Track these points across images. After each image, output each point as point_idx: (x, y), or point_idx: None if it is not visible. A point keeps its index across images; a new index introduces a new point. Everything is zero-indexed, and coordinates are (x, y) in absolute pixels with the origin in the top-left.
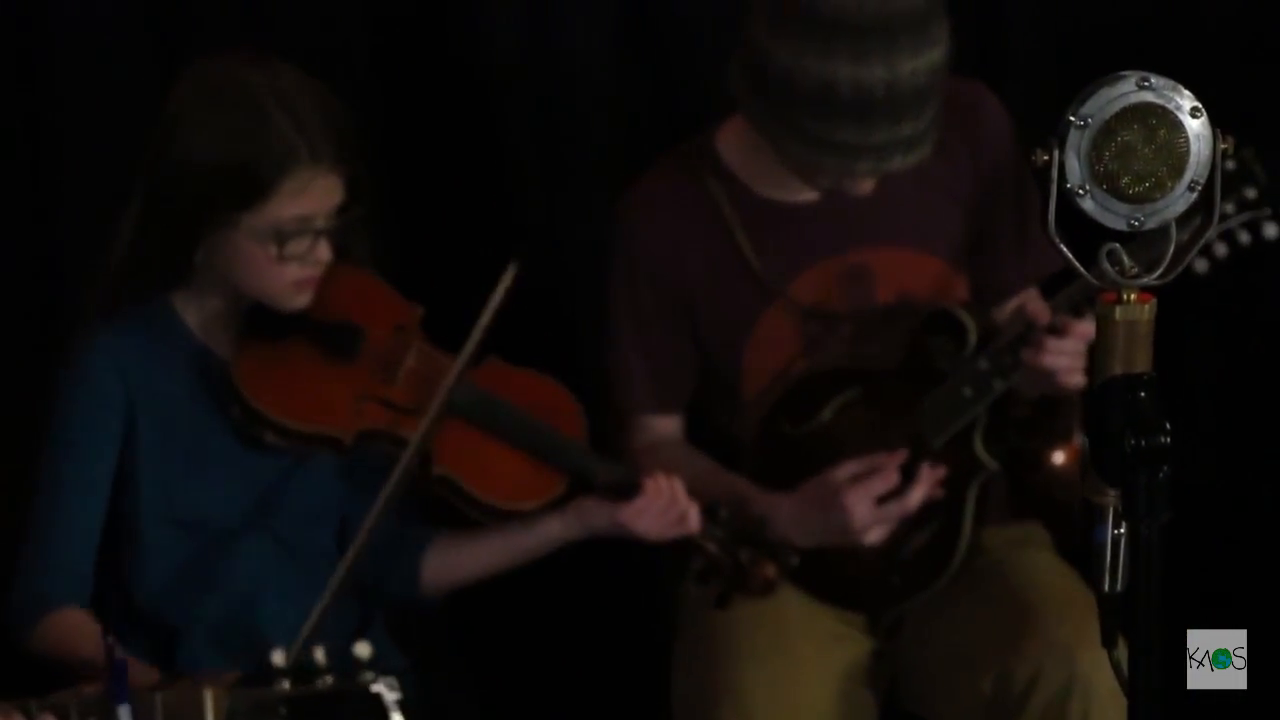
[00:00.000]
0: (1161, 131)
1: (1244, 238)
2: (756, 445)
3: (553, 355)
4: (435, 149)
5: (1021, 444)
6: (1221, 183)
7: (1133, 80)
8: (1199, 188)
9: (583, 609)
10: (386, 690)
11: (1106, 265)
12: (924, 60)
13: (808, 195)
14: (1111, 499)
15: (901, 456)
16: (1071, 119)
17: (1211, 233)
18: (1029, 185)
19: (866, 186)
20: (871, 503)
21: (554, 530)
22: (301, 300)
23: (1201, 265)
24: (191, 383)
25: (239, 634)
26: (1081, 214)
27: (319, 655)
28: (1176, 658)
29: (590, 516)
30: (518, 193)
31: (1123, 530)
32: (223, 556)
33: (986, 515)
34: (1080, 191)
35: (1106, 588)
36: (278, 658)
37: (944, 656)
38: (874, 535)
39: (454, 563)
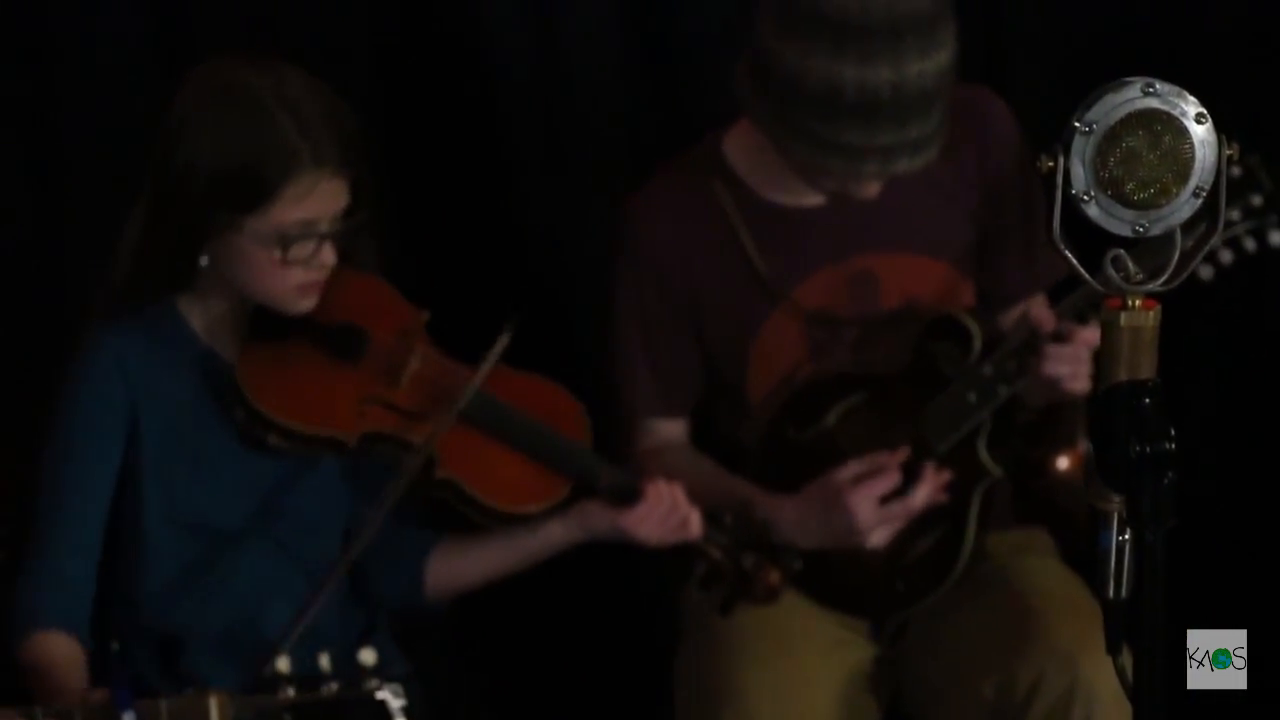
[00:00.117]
0: (1166, 138)
1: (1250, 244)
2: (761, 450)
3: (556, 359)
4: (439, 153)
5: (1026, 450)
6: (1227, 189)
7: (1138, 86)
8: (1204, 194)
9: (586, 613)
10: (391, 697)
11: (1111, 271)
12: (931, 63)
13: (814, 199)
14: (1116, 505)
15: (903, 454)
16: (1076, 125)
17: (1216, 239)
18: (1035, 191)
19: (872, 190)
20: (875, 503)
21: (555, 534)
22: (306, 304)
23: (1206, 272)
24: (196, 386)
25: (243, 641)
26: (1086, 220)
27: (324, 662)
28: (1176, 658)
29: (592, 521)
30: (522, 197)
31: (1127, 537)
32: (227, 563)
33: (990, 521)
34: (1085, 197)
35: (1111, 594)
36: (282, 665)
37: (947, 662)
38: (878, 536)
39: (457, 567)
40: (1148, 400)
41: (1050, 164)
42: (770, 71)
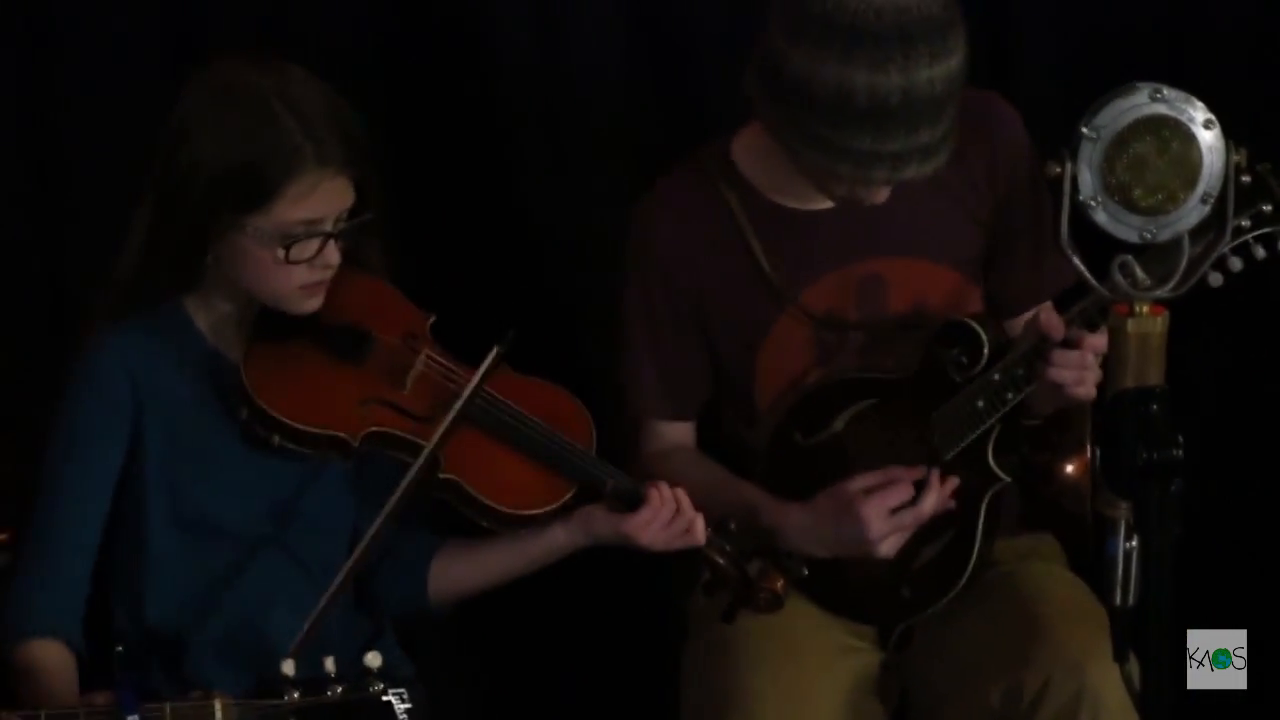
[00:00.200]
0: (1174, 144)
1: (1259, 252)
2: (768, 454)
3: (560, 361)
4: (442, 154)
5: (1034, 456)
6: (1235, 196)
7: (1145, 92)
8: (1212, 200)
9: (591, 617)
10: (397, 700)
11: (1119, 277)
12: (941, 69)
13: (822, 203)
14: (1123, 512)
15: (919, 473)
16: (1084, 131)
17: (1224, 246)
18: (1045, 197)
19: (881, 196)
20: (886, 513)
21: (559, 538)
22: (311, 304)
23: (1215, 278)
24: (201, 386)
25: (248, 646)
26: (1094, 226)
27: (329, 665)
28: (1177, 658)
29: (595, 525)
30: (526, 198)
31: (1134, 544)
32: (232, 568)
33: (998, 527)
34: (1093, 203)
35: (1118, 601)
36: (287, 668)
37: (953, 668)
38: (889, 546)
39: (459, 571)
40: (1155, 407)
41: (1058, 169)
42: (780, 76)
